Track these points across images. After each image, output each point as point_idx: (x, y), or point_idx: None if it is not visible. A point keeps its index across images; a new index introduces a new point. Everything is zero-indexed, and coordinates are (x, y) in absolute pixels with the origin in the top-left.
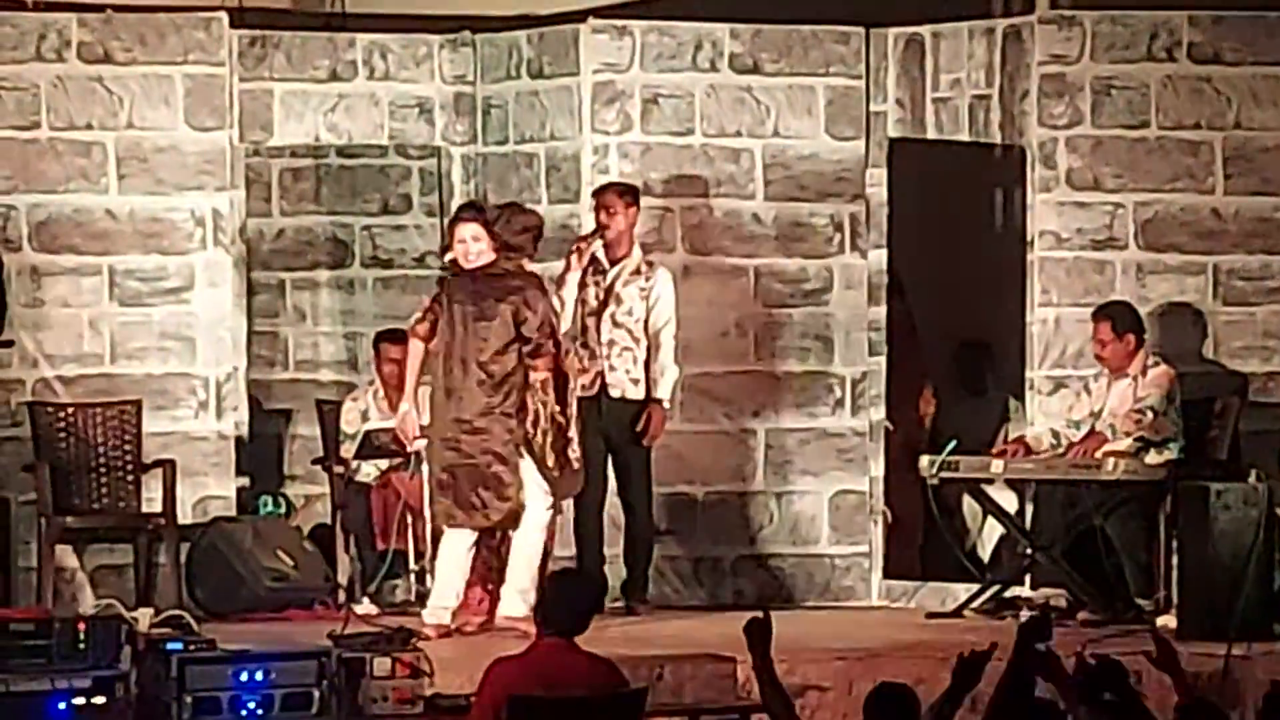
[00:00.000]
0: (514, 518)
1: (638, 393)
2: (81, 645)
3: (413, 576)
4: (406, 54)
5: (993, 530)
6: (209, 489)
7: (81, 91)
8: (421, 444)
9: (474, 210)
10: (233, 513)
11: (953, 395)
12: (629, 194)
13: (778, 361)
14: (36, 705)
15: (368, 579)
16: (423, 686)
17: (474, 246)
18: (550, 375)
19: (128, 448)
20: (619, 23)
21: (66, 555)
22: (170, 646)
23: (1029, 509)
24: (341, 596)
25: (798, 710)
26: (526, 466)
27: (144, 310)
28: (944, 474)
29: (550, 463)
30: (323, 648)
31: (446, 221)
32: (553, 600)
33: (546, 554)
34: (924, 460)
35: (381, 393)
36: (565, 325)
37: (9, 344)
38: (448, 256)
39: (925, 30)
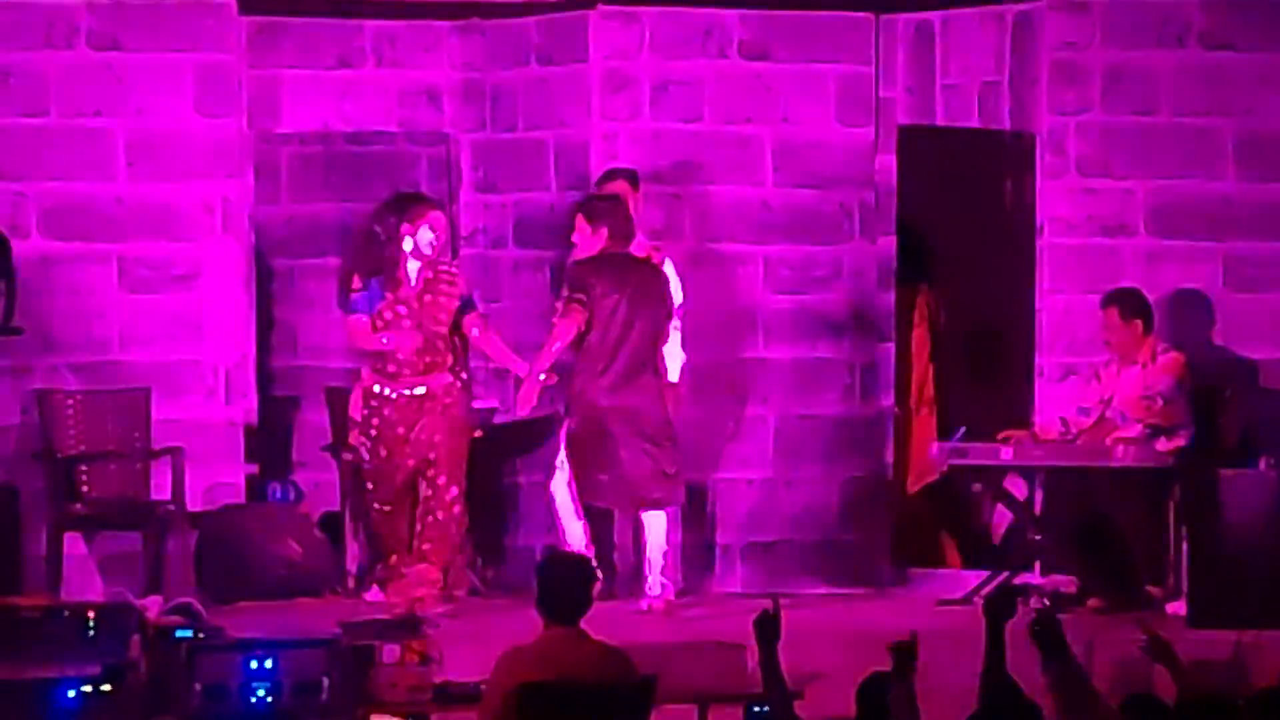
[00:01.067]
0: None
1: None
2: (90, 633)
3: None
4: (415, 40)
5: (1003, 517)
6: (218, 476)
7: (90, 79)
8: None
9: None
10: (242, 500)
11: (962, 382)
12: (636, 180)
13: (787, 348)
14: (45, 693)
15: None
16: (432, 674)
17: (441, 239)
18: None
19: (136, 435)
20: (628, 9)
21: (75, 543)
22: (179, 634)
23: (1038, 496)
24: (351, 584)
25: (805, 697)
26: None
27: (153, 297)
28: (953, 461)
29: None
30: (332, 635)
31: (407, 211)
32: (546, 589)
33: None
34: (933, 447)
35: None
36: None
37: (17, 331)
38: (411, 244)
39: (935, 16)
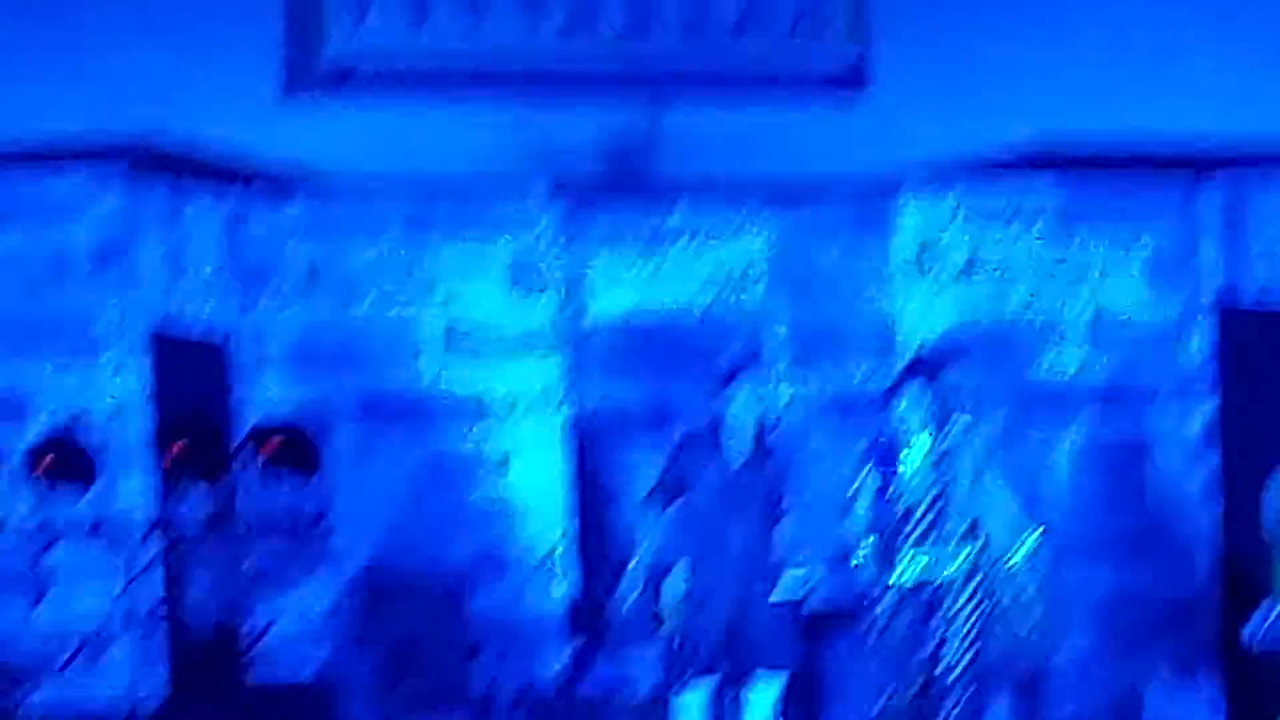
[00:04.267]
0: None
1: None
2: None
3: None
4: (722, 220)
5: None
6: (534, 668)
7: (402, 267)
8: None
9: None
10: (565, 685)
11: None
12: None
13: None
14: None
15: None
16: None
17: None
18: None
19: (452, 626)
20: (937, 182)
21: None
22: None
23: None
24: None
25: None
26: None
27: (467, 484)
28: (1267, 635)
29: None
30: None
31: None
32: None
33: None
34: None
35: None
36: None
37: (328, 523)
38: None
39: (1246, 180)
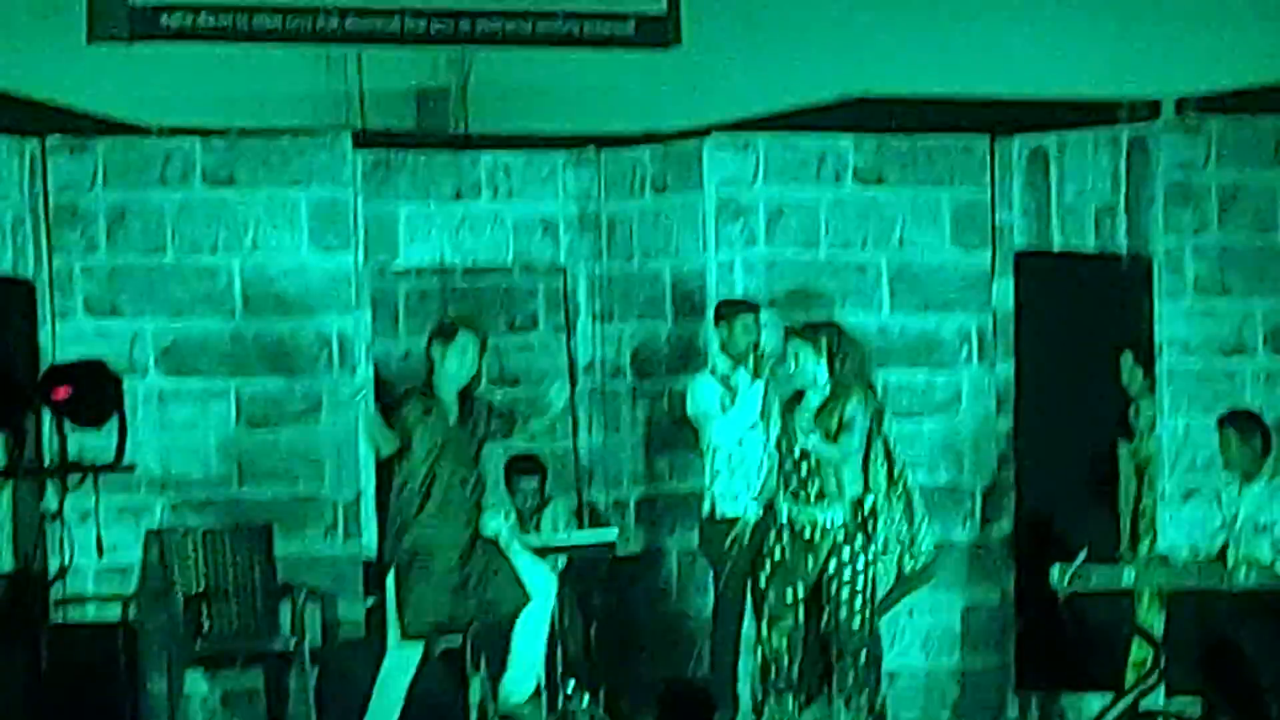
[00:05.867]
0: None
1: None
2: None
3: (543, 695)
4: (530, 172)
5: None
6: (339, 612)
7: (206, 215)
8: None
9: None
10: (362, 635)
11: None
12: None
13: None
14: None
15: (500, 700)
16: None
17: None
18: None
19: (258, 572)
20: (742, 137)
21: (197, 681)
22: None
23: (1163, 618)
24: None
25: None
26: None
27: (272, 433)
28: (1075, 585)
29: None
30: None
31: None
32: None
33: None
34: (1054, 571)
35: (513, 515)
36: None
37: (130, 469)
38: None
39: (1050, 140)
